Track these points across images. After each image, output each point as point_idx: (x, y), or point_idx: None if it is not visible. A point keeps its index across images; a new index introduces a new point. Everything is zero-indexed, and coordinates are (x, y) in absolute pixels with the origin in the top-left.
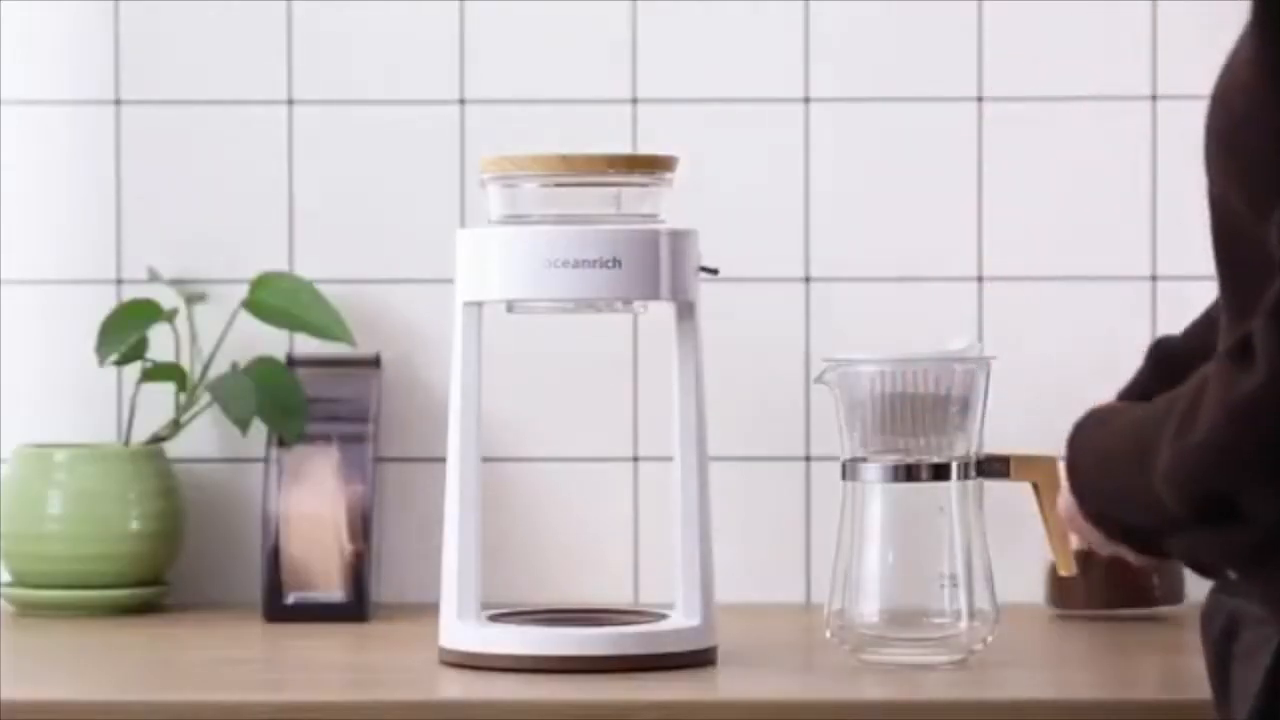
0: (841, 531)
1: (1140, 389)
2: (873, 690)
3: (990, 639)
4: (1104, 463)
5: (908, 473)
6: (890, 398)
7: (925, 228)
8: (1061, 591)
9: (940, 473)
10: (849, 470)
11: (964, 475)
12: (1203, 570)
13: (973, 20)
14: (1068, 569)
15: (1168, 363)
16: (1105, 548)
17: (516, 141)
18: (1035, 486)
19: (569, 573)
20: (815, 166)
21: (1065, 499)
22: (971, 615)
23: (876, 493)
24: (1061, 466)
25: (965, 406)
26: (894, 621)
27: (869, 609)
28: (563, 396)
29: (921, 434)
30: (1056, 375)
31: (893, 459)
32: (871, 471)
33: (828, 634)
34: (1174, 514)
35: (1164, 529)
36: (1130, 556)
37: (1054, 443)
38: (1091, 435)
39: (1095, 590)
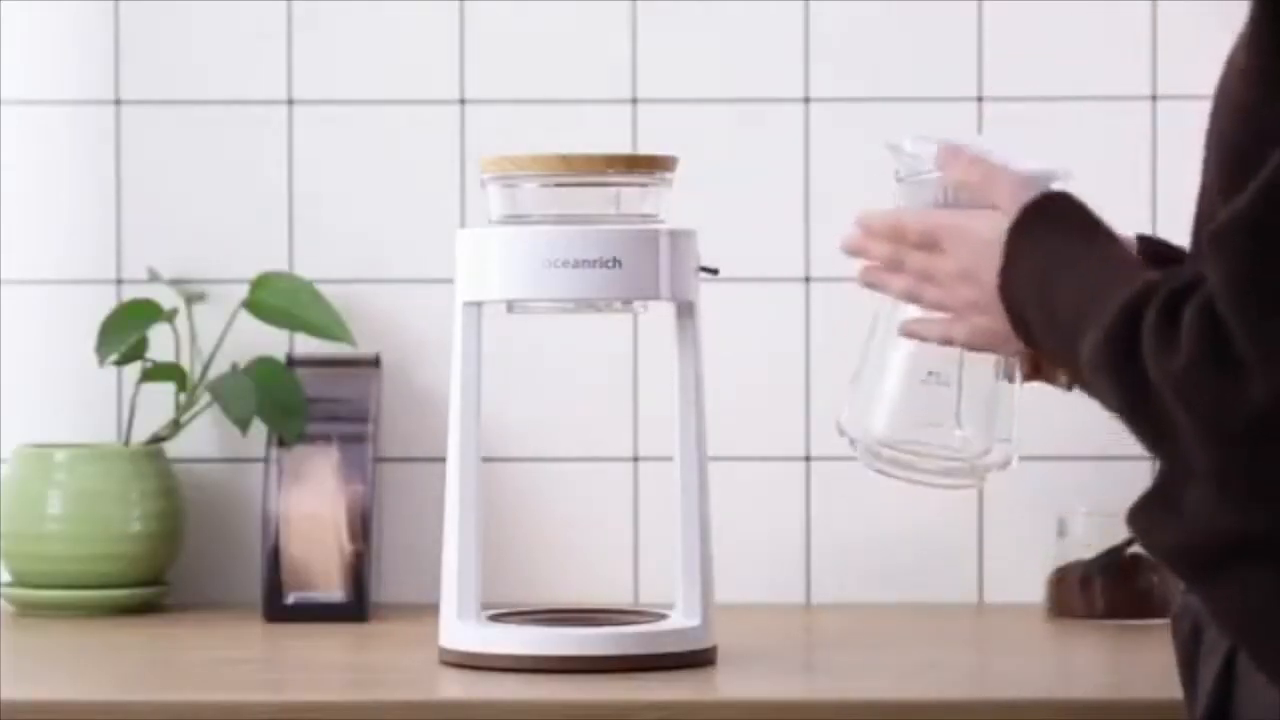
0: (870, 343)
1: None
2: (873, 690)
3: (995, 460)
4: (1044, 306)
5: None
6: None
7: None
8: (1062, 601)
9: None
10: None
11: None
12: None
13: (973, 20)
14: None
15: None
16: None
17: (516, 141)
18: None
19: (569, 573)
20: (815, 166)
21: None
22: (960, 425)
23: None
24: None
25: None
26: (904, 434)
27: (880, 422)
28: (563, 396)
29: None
30: None
31: None
32: None
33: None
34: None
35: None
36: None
37: (1057, 444)
38: (1035, 266)
39: (1096, 600)
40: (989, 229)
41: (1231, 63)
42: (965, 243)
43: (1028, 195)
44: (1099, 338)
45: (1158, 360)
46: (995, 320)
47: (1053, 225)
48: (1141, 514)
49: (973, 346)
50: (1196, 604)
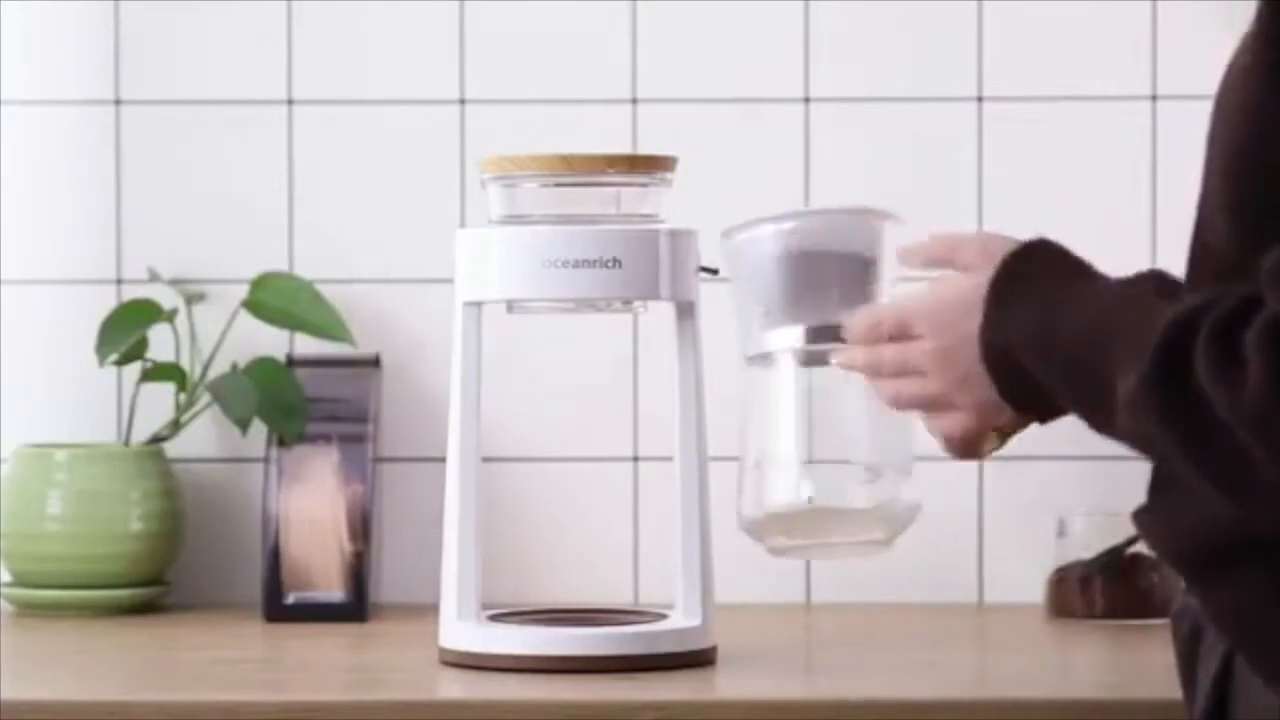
0: (750, 423)
1: None
2: (872, 690)
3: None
4: (1045, 349)
5: (829, 333)
6: (798, 258)
7: (925, 228)
8: (1062, 601)
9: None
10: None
11: None
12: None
13: (973, 20)
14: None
15: None
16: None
17: (516, 141)
18: None
19: (569, 573)
20: (815, 166)
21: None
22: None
23: (789, 374)
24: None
25: (870, 266)
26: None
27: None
28: (563, 396)
29: (831, 302)
30: None
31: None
32: (782, 338)
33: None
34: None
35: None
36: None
37: (1057, 444)
38: (1029, 310)
39: (1096, 600)
40: (959, 291)
41: (1233, 65)
42: (933, 316)
43: (998, 247)
44: (1142, 378)
45: (1221, 390)
46: (990, 388)
47: (1042, 269)
48: (1146, 513)
49: (981, 429)
50: (1196, 605)
